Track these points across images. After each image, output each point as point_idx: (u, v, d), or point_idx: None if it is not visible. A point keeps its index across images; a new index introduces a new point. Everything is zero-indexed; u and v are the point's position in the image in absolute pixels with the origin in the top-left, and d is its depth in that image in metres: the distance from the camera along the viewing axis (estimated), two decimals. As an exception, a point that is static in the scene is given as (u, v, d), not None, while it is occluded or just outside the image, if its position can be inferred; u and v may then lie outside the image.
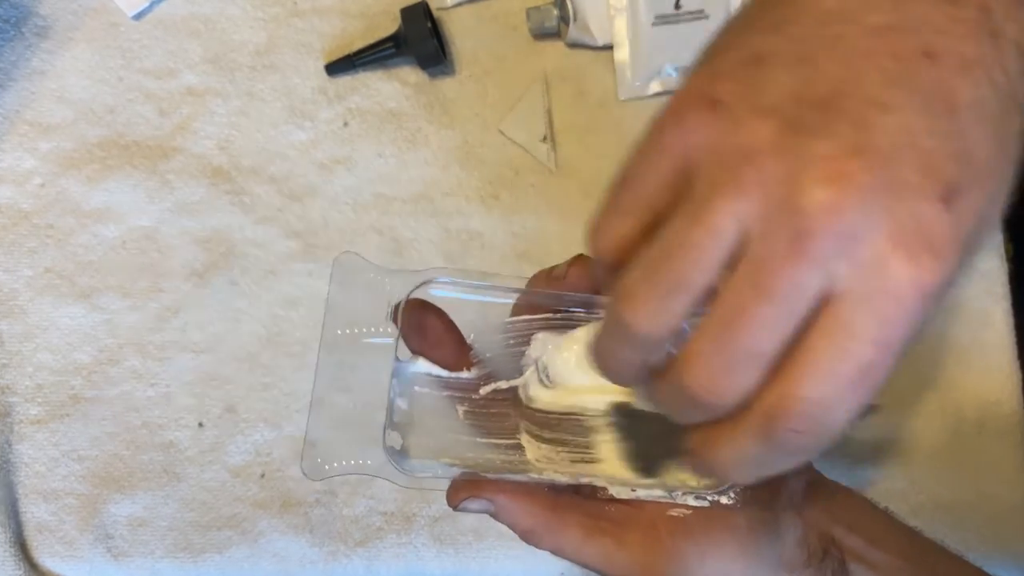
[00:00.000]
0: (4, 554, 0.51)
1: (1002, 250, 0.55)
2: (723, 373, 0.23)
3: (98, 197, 0.55)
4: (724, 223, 0.22)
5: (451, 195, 0.55)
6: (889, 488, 0.52)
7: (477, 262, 0.54)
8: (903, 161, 0.21)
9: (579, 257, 0.35)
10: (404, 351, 0.35)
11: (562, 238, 0.54)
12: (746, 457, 0.24)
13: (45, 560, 0.52)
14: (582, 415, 0.35)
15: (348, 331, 0.34)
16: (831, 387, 0.22)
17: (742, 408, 0.23)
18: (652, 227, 0.24)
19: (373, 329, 0.34)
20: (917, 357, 0.53)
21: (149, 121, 0.56)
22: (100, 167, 0.55)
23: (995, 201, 0.23)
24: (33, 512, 0.52)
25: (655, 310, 0.23)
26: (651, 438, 0.34)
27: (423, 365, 0.35)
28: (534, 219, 0.55)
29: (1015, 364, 0.53)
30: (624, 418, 0.35)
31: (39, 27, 0.56)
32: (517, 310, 0.36)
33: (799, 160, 0.21)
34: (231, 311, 0.54)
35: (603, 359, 0.26)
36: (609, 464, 0.35)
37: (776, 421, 0.23)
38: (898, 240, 0.21)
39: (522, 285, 0.35)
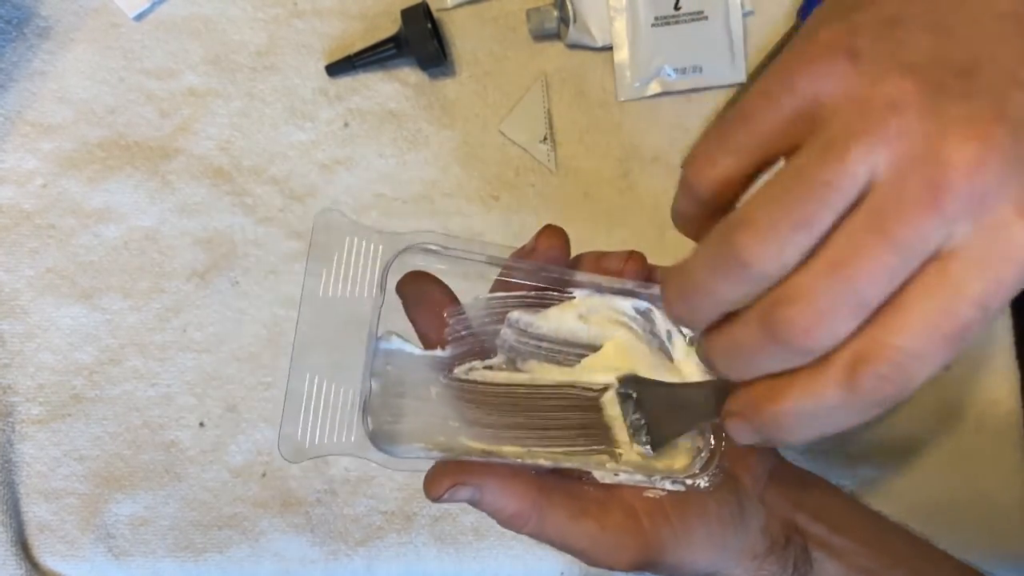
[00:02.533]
0: (5, 553, 0.51)
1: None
2: (825, 314, 0.22)
3: (99, 197, 0.55)
4: (857, 167, 0.22)
5: (451, 195, 0.55)
6: (888, 488, 0.53)
7: (477, 262, 0.54)
8: None
9: (546, 228, 0.35)
10: (382, 328, 0.34)
11: (570, 234, 0.54)
12: (820, 407, 0.24)
13: (46, 560, 0.52)
14: (586, 389, 0.35)
15: (329, 299, 0.33)
16: (927, 340, 0.22)
17: (821, 358, 0.23)
18: (758, 170, 0.24)
19: (355, 296, 0.33)
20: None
21: (150, 122, 0.56)
22: (101, 167, 0.55)
23: None
24: (35, 512, 0.52)
25: (776, 241, 0.23)
26: (659, 411, 0.34)
27: (397, 342, 0.34)
28: (534, 219, 0.55)
29: (1014, 364, 0.53)
30: (632, 389, 0.35)
31: (40, 28, 0.56)
32: (495, 288, 0.36)
33: (943, 118, 0.21)
34: (232, 311, 0.54)
35: (691, 291, 0.25)
36: (621, 443, 0.35)
37: (866, 365, 0.23)
38: (1023, 208, 0.21)
39: (507, 255, 0.35)
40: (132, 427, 0.53)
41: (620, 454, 0.35)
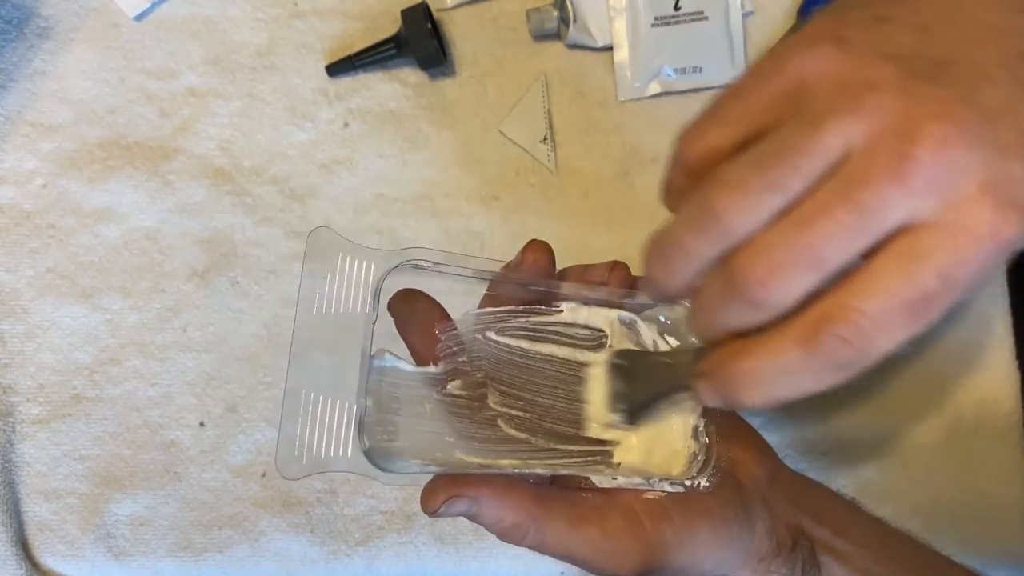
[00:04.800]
0: (6, 553, 0.51)
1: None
2: (783, 268, 0.24)
3: (99, 197, 0.55)
4: (834, 139, 0.23)
5: (451, 196, 0.55)
6: (889, 488, 0.53)
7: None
8: (1004, 125, 0.23)
9: (531, 242, 0.36)
10: (375, 345, 0.34)
11: (562, 238, 0.54)
12: (780, 367, 0.25)
13: (47, 559, 0.52)
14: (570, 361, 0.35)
15: (323, 317, 0.33)
16: (888, 306, 0.23)
17: (787, 320, 0.24)
18: (746, 143, 0.25)
19: (348, 314, 0.33)
20: (916, 357, 0.53)
21: (150, 122, 0.56)
22: (101, 167, 0.55)
23: None
24: (35, 511, 0.53)
25: (747, 199, 0.24)
26: (639, 380, 0.34)
27: (390, 359, 0.35)
28: (534, 219, 0.55)
29: (1013, 364, 0.53)
30: (622, 360, 0.35)
31: (41, 28, 0.56)
32: (484, 304, 0.36)
33: (917, 98, 0.23)
34: (232, 311, 0.54)
35: (668, 248, 0.26)
36: (594, 407, 0.35)
37: (826, 325, 0.24)
38: (989, 189, 0.23)
39: (499, 267, 0.36)
40: (132, 427, 0.53)
41: (618, 463, 0.35)
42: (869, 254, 0.24)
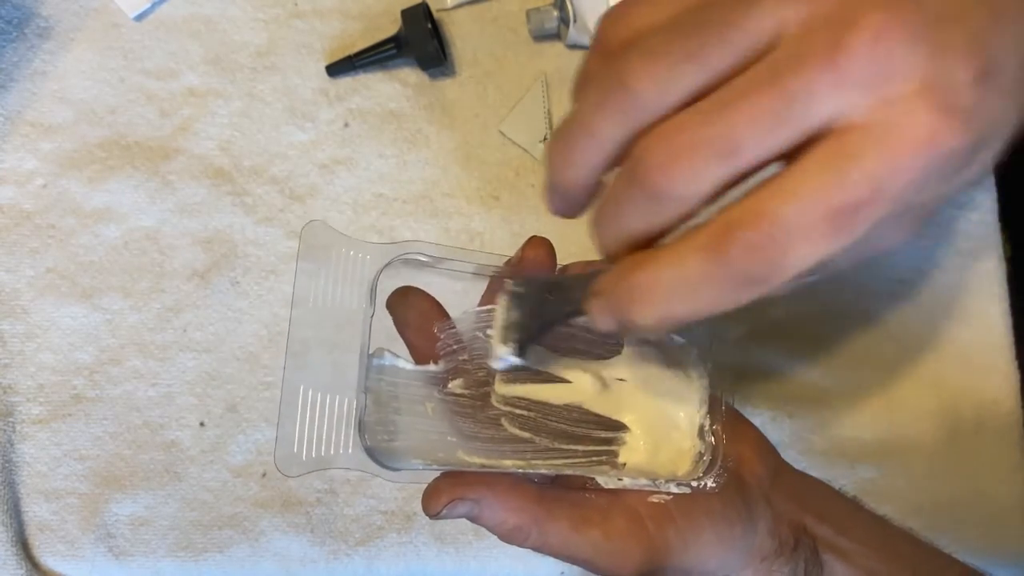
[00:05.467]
0: (6, 553, 0.51)
1: (1001, 251, 0.55)
2: (688, 152, 0.21)
3: (99, 197, 0.55)
4: (765, 17, 0.21)
5: (451, 195, 0.55)
6: (889, 488, 0.53)
7: (477, 262, 0.54)
8: (952, 28, 0.21)
9: (532, 239, 0.35)
10: (373, 346, 0.34)
11: (562, 238, 0.54)
12: (679, 277, 0.22)
13: (47, 559, 0.52)
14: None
15: (320, 313, 0.33)
16: (808, 212, 0.20)
17: (694, 229, 0.22)
18: None
19: (346, 309, 0.33)
20: (916, 357, 0.53)
21: (150, 122, 0.56)
22: (101, 168, 0.55)
23: (997, 135, 0.22)
24: (35, 511, 0.52)
25: (665, 68, 0.21)
26: (534, 308, 0.32)
27: (389, 358, 0.34)
28: (534, 219, 0.55)
29: (1013, 364, 0.53)
30: (512, 286, 0.33)
31: (41, 28, 0.56)
32: (484, 301, 0.35)
33: None
34: (232, 311, 0.54)
35: (574, 131, 0.24)
36: (493, 340, 0.32)
37: (735, 229, 0.21)
38: (929, 91, 0.20)
39: (499, 263, 0.35)
40: (132, 427, 0.53)
41: (623, 464, 0.35)
42: (791, 159, 0.21)
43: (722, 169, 0.21)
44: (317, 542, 0.52)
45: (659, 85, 0.21)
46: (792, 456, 0.53)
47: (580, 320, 0.34)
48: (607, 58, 0.24)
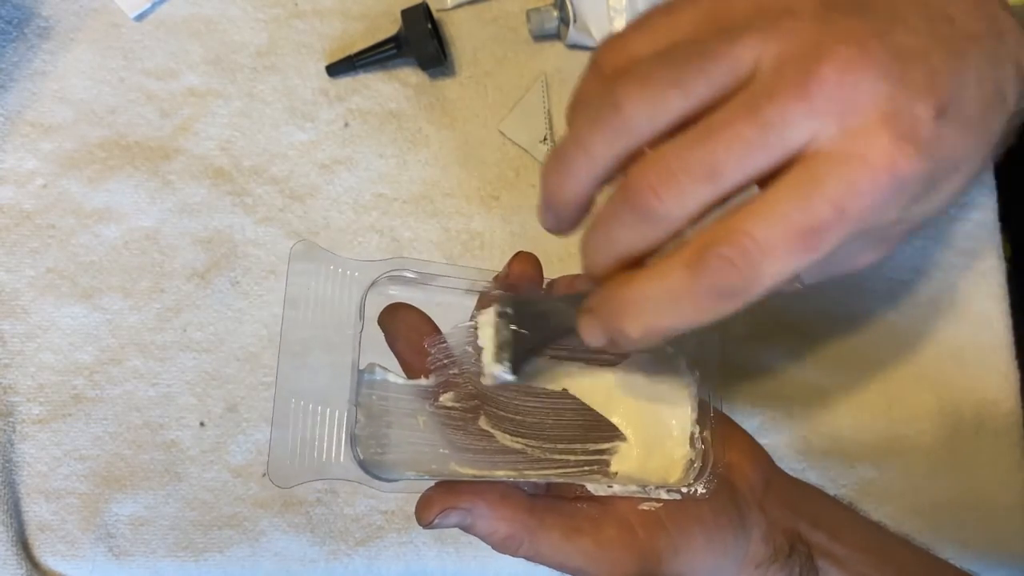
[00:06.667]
0: (6, 553, 0.51)
1: (1000, 251, 0.55)
2: (677, 176, 0.23)
3: (100, 197, 0.55)
4: (745, 52, 0.23)
5: (451, 195, 0.55)
6: (888, 488, 0.53)
7: (477, 262, 0.54)
8: (914, 66, 0.23)
9: (518, 254, 0.36)
10: (364, 360, 0.34)
11: (562, 239, 0.54)
12: (663, 291, 0.24)
13: (47, 559, 0.52)
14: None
15: (310, 331, 0.34)
16: (778, 232, 0.23)
17: (678, 248, 0.24)
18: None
19: (335, 326, 0.33)
20: (916, 357, 0.53)
21: (150, 122, 0.56)
22: (102, 168, 0.55)
23: (960, 168, 0.25)
24: (35, 511, 0.53)
25: (653, 94, 0.24)
26: (525, 328, 0.33)
27: (380, 373, 0.34)
28: (534, 219, 0.55)
29: (1013, 364, 0.53)
30: (509, 307, 0.33)
31: (41, 28, 0.56)
32: (474, 316, 0.35)
33: (831, 25, 0.23)
34: (232, 311, 0.54)
35: (569, 149, 0.26)
36: (484, 358, 0.33)
37: (712, 246, 0.23)
38: (890, 122, 0.23)
39: (487, 279, 0.35)
40: (132, 427, 0.53)
41: (614, 472, 0.35)
42: (767, 182, 0.23)
43: (707, 191, 0.23)
44: (317, 542, 0.52)
45: (649, 109, 0.24)
46: (792, 456, 0.53)
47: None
48: (602, 82, 0.26)
